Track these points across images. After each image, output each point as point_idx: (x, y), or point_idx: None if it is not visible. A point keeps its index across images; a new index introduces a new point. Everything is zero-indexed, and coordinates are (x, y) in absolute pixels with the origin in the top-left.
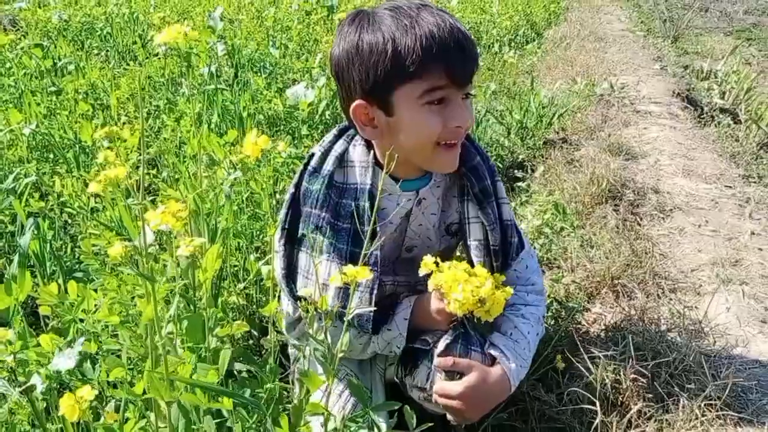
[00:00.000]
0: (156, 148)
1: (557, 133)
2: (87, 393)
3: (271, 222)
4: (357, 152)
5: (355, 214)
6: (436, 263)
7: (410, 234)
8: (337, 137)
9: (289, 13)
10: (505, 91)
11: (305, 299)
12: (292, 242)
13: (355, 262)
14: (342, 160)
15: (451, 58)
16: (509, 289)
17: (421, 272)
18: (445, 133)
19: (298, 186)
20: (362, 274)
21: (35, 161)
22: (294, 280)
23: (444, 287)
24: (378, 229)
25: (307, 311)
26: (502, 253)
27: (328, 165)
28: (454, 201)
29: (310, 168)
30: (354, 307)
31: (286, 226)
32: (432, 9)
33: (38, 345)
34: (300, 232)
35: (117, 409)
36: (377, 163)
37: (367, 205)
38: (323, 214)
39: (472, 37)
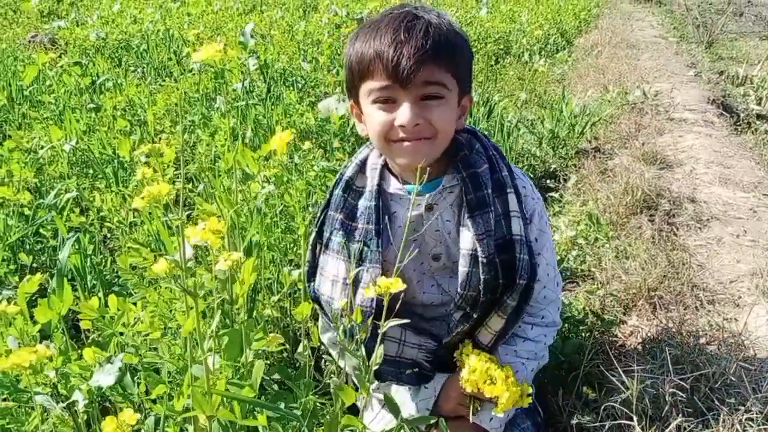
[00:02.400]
0: (196, 166)
1: (590, 142)
2: (129, 417)
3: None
4: (373, 156)
5: (364, 215)
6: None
7: (429, 241)
8: (366, 146)
9: (319, 26)
10: (536, 100)
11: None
12: (321, 243)
13: (361, 261)
14: (363, 166)
15: (390, 61)
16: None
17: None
18: (392, 131)
19: (331, 192)
20: (395, 285)
21: (75, 177)
22: (313, 278)
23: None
24: (388, 231)
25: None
26: (504, 269)
27: (348, 170)
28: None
29: (339, 175)
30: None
31: (316, 228)
32: (410, 14)
33: (80, 358)
34: (324, 233)
35: (156, 423)
36: (385, 165)
37: (373, 204)
38: (338, 215)
39: (451, 40)
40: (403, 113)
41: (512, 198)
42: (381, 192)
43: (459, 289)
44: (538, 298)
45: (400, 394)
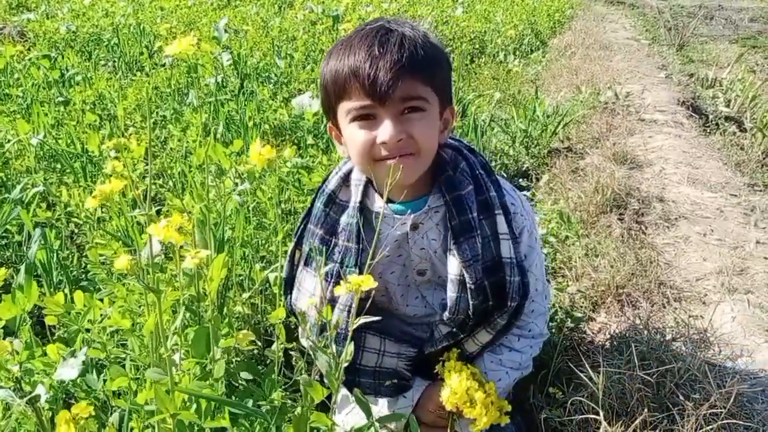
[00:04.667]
0: (161, 161)
1: (562, 141)
2: (82, 410)
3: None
4: (357, 170)
5: (345, 231)
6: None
7: (414, 258)
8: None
9: (294, 23)
10: (509, 100)
11: (299, 314)
12: (300, 255)
13: (339, 280)
14: (346, 179)
15: (366, 78)
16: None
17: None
18: (375, 149)
19: (312, 202)
20: (367, 283)
21: (43, 171)
22: (290, 290)
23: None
24: (368, 249)
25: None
26: (493, 291)
27: (330, 183)
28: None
29: (321, 185)
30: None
31: (295, 239)
32: (383, 28)
33: (44, 354)
34: (303, 247)
35: (121, 420)
36: (369, 182)
37: (354, 222)
38: (318, 230)
39: (427, 52)
40: (385, 130)
41: (500, 219)
42: (363, 209)
43: (447, 313)
44: (527, 311)
45: (377, 403)
